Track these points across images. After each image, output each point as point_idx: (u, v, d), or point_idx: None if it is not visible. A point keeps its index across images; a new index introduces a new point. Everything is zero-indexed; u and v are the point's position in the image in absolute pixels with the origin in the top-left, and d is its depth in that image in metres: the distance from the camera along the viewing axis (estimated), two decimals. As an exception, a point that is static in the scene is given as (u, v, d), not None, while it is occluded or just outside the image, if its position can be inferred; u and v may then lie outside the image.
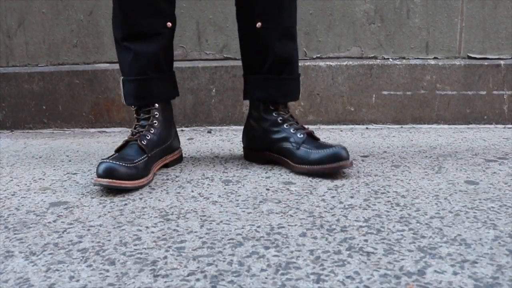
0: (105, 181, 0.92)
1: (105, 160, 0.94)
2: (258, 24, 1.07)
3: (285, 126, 1.10)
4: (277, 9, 1.07)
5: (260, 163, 1.17)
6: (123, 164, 0.95)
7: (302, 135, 1.08)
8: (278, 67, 1.10)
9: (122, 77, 1.10)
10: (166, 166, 1.14)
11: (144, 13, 1.05)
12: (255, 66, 1.13)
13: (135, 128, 1.08)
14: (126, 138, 1.06)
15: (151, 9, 1.05)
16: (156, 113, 1.09)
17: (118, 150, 1.03)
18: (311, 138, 1.09)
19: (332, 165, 1.01)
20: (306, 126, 1.12)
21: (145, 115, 1.09)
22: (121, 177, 0.93)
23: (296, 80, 1.15)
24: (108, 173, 0.92)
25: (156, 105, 1.10)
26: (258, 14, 1.07)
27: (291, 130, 1.09)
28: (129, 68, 1.08)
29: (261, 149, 1.15)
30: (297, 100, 1.19)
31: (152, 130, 1.07)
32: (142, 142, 1.04)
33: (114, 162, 0.94)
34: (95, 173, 0.95)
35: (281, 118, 1.11)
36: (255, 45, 1.11)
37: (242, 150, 1.27)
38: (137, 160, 0.99)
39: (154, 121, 1.09)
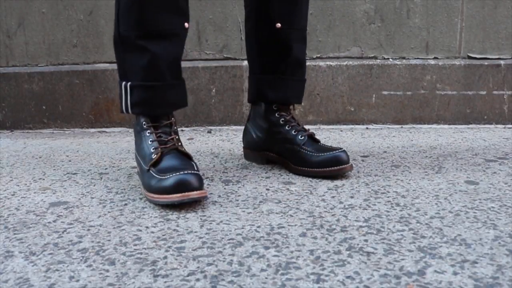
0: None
1: (172, 175, 0.84)
2: (278, 25, 1.07)
3: (286, 127, 1.10)
4: (296, 12, 1.09)
5: (260, 163, 1.16)
6: (193, 172, 0.86)
7: (303, 137, 1.07)
8: (293, 68, 1.12)
9: (128, 83, 0.96)
10: None
11: (165, 9, 0.94)
12: (271, 66, 1.12)
13: (159, 137, 0.95)
14: (159, 149, 0.92)
15: (172, 6, 0.95)
16: (173, 118, 0.98)
17: (154, 164, 0.90)
18: (312, 140, 1.09)
19: (332, 169, 1.01)
20: (306, 128, 1.12)
21: (166, 121, 0.97)
22: (196, 187, 0.84)
23: (304, 82, 1.16)
24: (183, 186, 0.83)
25: None
26: (278, 15, 1.08)
27: (292, 132, 1.09)
28: (144, 72, 0.94)
29: (262, 150, 1.15)
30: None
31: (176, 137, 0.96)
32: (182, 148, 0.94)
33: (184, 173, 0.84)
34: (159, 191, 0.85)
35: (283, 119, 1.11)
36: (273, 45, 1.10)
37: (242, 150, 1.27)
38: (195, 166, 0.90)
39: (175, 127, 0.98)
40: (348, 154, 1.04)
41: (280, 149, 1.11)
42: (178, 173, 0.84)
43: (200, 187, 0.85)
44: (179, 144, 0.95)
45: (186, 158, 0.93)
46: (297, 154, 1.06)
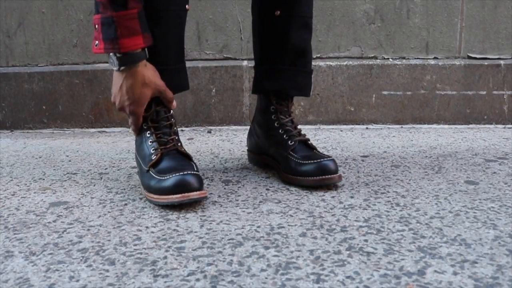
0: (178, 196, 0.83)
1: (172, 175, 0.84)
2: (277, 13, 1.04)
3: (280, 131, 1.05)
4: None
5: (260, 166, 1.15)
6: (190, 172, 0.85)
7: (292, 143, 1.02)
8: (293, 58, 1.06)
9: None
10: None
11: None
12: (269, 56, 1.09)
13: (159, 137, 0.94)
14: (159, 150, 0.92)
15: None
16: (173, 119, 0.97)
17: (154, 165, 0.90)
18: (305, 146, 1.03)
19: (315, 178, 0.94)
20: (303, 133, 1.06)
21: (166, 122, 0.95)
22: (196, 187, 0.84)
23: (309, 74, 1.10)
24: (183, 187, 0.83)
25: (171, 111, 0.98)
26: (276, 2, 1.04)
27: (284, 136, 1.04)
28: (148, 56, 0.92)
29: (260, 153, 1.13)
30: (308, 97, 1.11)
31: (176, 137, 0.96)
32: (182, 149, 0.93)
33: (184, 173, 0.84)
34: (159, 192, 0.85)
35: (278, 122, 1.06)
36: (272, 34, 1.07)
37: (242, 150, 1.27)
38: (195, 167, 0.89)
39: (175, 128, 0.96)
40: (337, 163, 0.97)
41: (272, 153, 1.07)
42: (177, 174, 0.84)
43: (200, 187, 0.84)
44: (179, 144, 0.95)
45: (186, 158, 0.92)
46: (285, 160, 1.01)
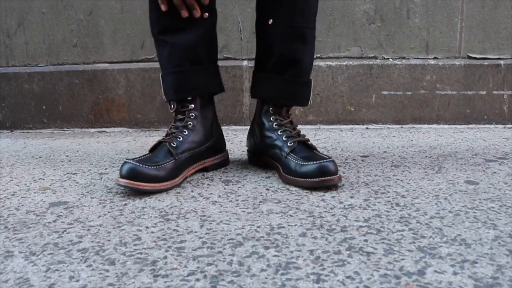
0: (124, 181, 0.92)
1: (129, 161, 0.93)
2: (270, 21, 1.05)
3: (279, 132, 1.06)
4: (288, 8, 1.04)
5: (260, 166, 1.15)
6: (146, 165, 0.94)
7: (291, 144, 1.02)
8: (281, 66, 1.06)
9: (161, 73, 1.09)
10: (205, 170, 1.10)
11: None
12: (261, 62, 1.11)
13: (170, 129, 1.06)
14: (160, 138, 1.05)
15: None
16: (192, 114, 1.07)
17: (152, 150, 1.02)
18: (304, 146, 1.03)
19: (315, 180, 0.94)
20: (303, 133, 1.07)
21: (181, 116, 1.07)
22: (142, 179, 0.92)
23: (303, 84, 1.09)
24: (130, 174, 0.92)
25: (193, 105, 1.07)
26: (270, 11, 1.06)
27: (283, 138, 1.04)
28: (167, 62, 1.06)
29: (259, 153, 1.13)
30: (306, 106, 1.13)
31: (185, 132, 1.05)
32: (172, 144, 1.02)
33: (137, 163, 0.93)
34: (119, 173, 0.94)
35: (276, 123, 1.07)
36: (264, 42, 1.09)
37: (242, 150, 1.27)
38: (162, 163, 0.97)
39: (189, 123, 1.06)
40: (337, 163, 0.96)
41: (272, 154, 1.07)
42: (134, 162, 0.93)
43: (148, 180, 0.93)
44: (178, 140, 1.03)
45: (168, 154, 1.00)
46: (284, 161, 1.01)
